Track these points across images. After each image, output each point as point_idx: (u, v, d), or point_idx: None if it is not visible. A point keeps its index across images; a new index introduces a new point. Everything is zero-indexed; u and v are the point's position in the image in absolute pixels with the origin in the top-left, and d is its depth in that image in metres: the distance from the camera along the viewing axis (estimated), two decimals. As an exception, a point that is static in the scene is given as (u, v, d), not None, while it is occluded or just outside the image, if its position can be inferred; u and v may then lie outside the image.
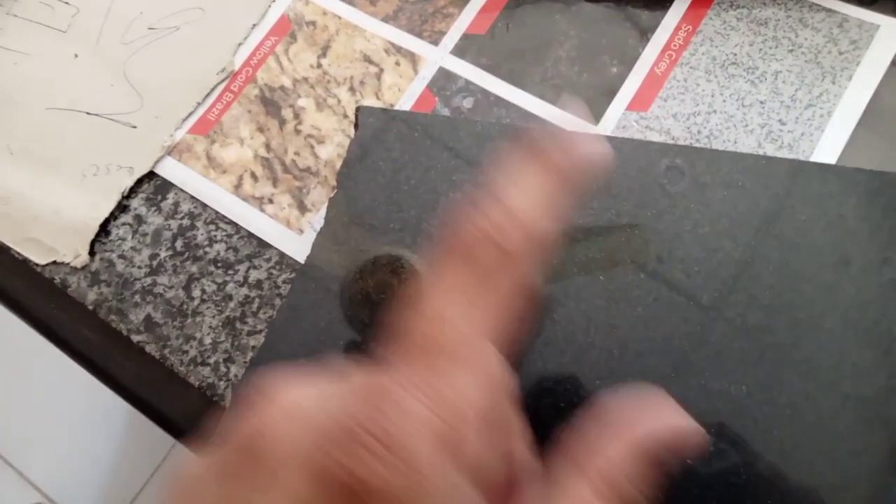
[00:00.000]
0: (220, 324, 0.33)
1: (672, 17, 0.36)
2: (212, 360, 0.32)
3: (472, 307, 0.15)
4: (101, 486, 1.06)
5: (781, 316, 0.29)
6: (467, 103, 0.36)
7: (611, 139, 0.32)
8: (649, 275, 0.30)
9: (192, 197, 0.36)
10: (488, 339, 0.16)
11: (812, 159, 0.33)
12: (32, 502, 1.05)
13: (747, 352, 0.28)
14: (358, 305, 0.30)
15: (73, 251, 0.35)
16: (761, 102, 0.34)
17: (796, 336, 0.28)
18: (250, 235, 0.34)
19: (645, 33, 0.36)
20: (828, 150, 0.33)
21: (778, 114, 0.34)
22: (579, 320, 0.29)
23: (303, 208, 0.35)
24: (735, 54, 0.35)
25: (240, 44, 0.39)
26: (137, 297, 0.34)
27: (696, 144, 0.34)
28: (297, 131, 0.36)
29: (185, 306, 0.33)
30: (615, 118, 0.35)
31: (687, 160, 0.31)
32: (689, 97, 0.35)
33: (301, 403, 0.16)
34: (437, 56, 0.37)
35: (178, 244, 0.35)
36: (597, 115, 0.35)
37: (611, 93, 0.35)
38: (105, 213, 0.35)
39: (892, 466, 0.26)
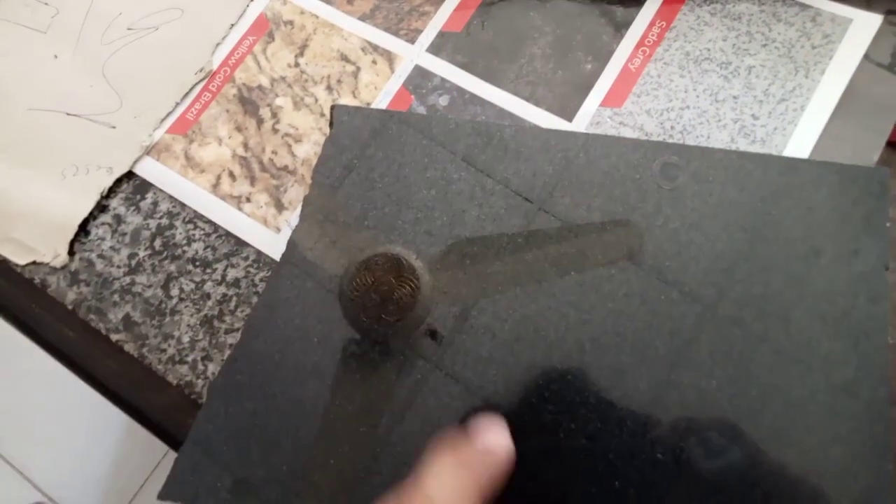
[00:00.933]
0: (198, 322, 0.33)
1: (646, 13, 0.37)
2: (190, 359, 0.33)
3: None
4: (102, 484, 1.07)
5: (752, 308, 0.29)
6: (443, 101, 0.36)
7: (584, 136, 0.32)
8: (620, 269, 0.30)
9: (171, 196, 0.36)
10: None
11: (785, 153, 0.33)
12: (33, 502, 1.05)
13: (717, 344, 0.29)
14: (358, 305, 0.30)
15: (53, 251, 0.35)
16: (734, 97, 0.34)
17: (766, 328, 0.29)
18: (228, 234, 0.35)
19: (619, 29, 0.36)
20: (801, 144, 0.33)
21: (751, 108, 0.34)
22: (551, 316, 0.30)
23: (280, 207, 0.35)
24: (709, 49, 0.35)
25: (218, 44, 0.39)
26: (116, 297, 0.34)
27: (670, 140, 0.34)
28: (275, 130, 0.37)
29: (163, 305, 0.34)
30: (589, 114, 0.35)
31: (658, 156, 0.31)
32: (662, 93, 0.35)
33: None
34: (414, 54, 0.37)
35: (157, 243, 0.35)
36: (571, 111, 0.35)
37: (585, 89, 0.36)
38: (84, 213, 0.35)
39: (860, 455, 0.27)
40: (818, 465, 0.27)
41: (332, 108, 0.34)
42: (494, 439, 0.23)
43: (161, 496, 0.28)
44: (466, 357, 0.30)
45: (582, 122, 0.35)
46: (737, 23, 0.36)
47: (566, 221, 0.31)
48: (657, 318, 0.29)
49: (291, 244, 0.32)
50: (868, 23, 0.34)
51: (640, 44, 0.36)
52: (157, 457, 1.06)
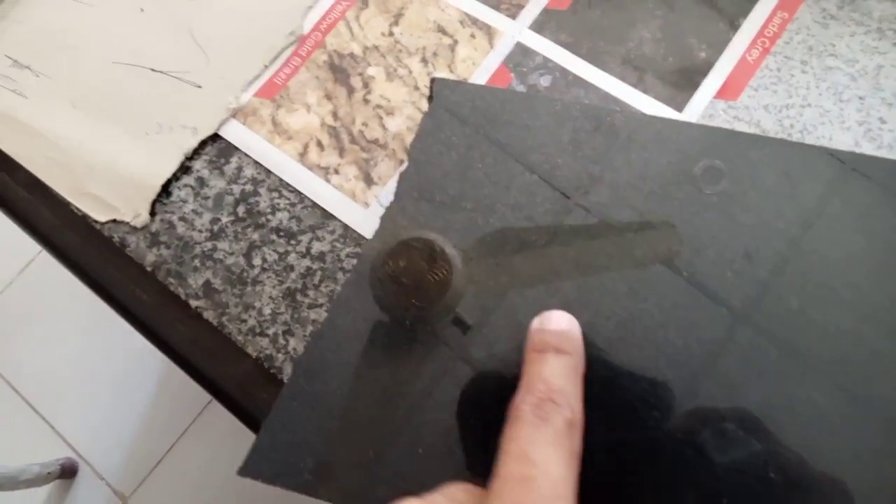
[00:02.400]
0: (281, 294, 0.32)
1: (767, 2, 0.34)
2: (270, 332, 0.32)
3: (557, 454, 0.21)
4: (132, 443, 1.08)
5: (844, 312, 0.27)
6: (544, 81, 0.34)
7: (703, 128, 0.30)
8: (738, 271, 0.28)
9: (256, 162, 0.35)
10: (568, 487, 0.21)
11: (912, 161, 0.31)
12: (61, 457, 1.07)
13: (813, 349, 0.27)
14: (387, 287, 0.29)
15: (134, 210, 0.34)
16: (860, 98, 0.32)
17: (861, 330, 0.27)
18: (314, 205, 0.33)
19: (737, 17, 0.34)
20: (930, 152, 0.31)
21: (878, 111, 0.32)
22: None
23: (369, 181, 0.34)
24: (834, 45, 0.33)
25: (310, 7, 0.37)
26: (197, 262, 0.33)
27: (789, 139, 0.32)
28: (366, 101, 0.35)
29: (245, 274, 0.33)
30: (701, 106, 0.33)
31: (784, 156, 0.29)
32: (782, 88, 0.33)
33: None
34: (515, 30, 0.36)
35: (241, 210, 0.34)
36: (682, 101, 0.33)
37: (698, 78, 0.33)
38: (168, 174, 0.34)
39: None
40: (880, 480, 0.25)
41: (433, 81, 0.32)
42: (564, 322, 0.26)
43: (241, 472, 0.28)
44: (492, 349, 0.29)
45: (693, 113, 0.33)
46: (866, 18, 0.33)
47: (670, 222, 0.29)
48: (723, 320, 0.27)
49: (386, 220, 0.30)
50: None
51: (760, 34, 0.34)
52: (195, 410, 1.07)
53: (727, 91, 0.33)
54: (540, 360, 0.24)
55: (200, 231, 0.34)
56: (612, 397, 0.27)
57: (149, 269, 0.33)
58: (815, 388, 0.26)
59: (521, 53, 0.35)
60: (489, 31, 0.36)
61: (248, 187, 0.34)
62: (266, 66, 0.36)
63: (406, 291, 0.29)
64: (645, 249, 0.29)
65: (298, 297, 0.32)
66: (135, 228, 0.34)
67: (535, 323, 0.26)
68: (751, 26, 0.34)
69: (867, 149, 0.31)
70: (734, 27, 0.34)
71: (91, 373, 1.11)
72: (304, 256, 0.33)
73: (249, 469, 0.28)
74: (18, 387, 1.13)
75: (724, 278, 0.28)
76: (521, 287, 0.29)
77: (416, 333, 0.29)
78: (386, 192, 0.33)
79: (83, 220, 0.35)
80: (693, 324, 0.28)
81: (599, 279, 0.29)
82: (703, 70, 0.34)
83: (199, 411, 1.06)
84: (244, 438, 0.28)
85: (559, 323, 0.26)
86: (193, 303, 0.33)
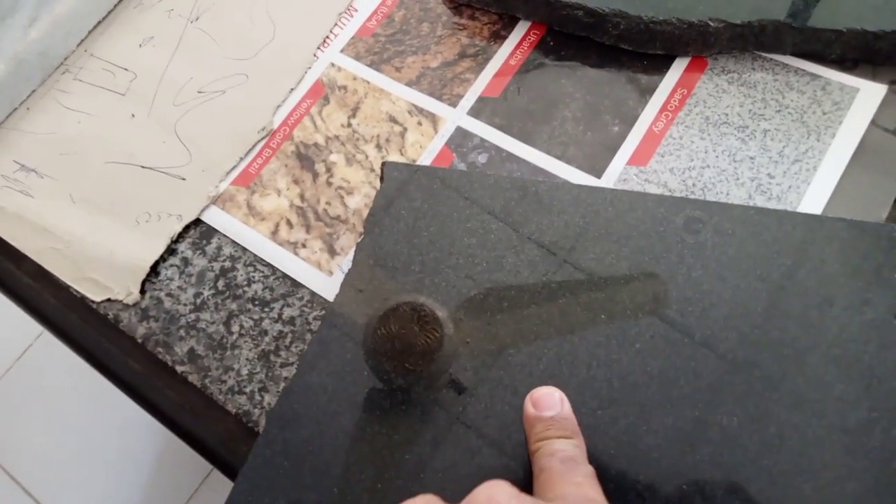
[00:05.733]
0: (256, 356, 0.36)
1: (669, 81, 0.40)
2: (248, 389, 0.36)
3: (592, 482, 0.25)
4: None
5: (770, 352, 0.31)
6: (482, 159, 0.40)
7: (612, 191, 0.35)
8: (647, 313, 0.33)
9: (234, 242, 0.39)
10: None
11: (799, 210, 0.36)
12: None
13: (738, 385, 0.31)
14: (381, 355, 0.32)
15: (126, 290, 0.39)
16: (751, 158, 0.37)
17: (784, 371, 0.31)
18: (285, 276, 0.38)
19: (644, 95, 0.40)
20: (814, 201, 0.36)
21: (767, 168, 0.37)
22: (574, 369, 0.32)
23: (332, 252, 0.38)
24: (727, 114, 0.39)
25: (279, 105, 0.43)
26: (182, 332, 0.37)
27: (692, 196, 0.37)
28: (329, 183, 0.40)
29: (224, 340, 0.37)
30: (616, 172, 0.38)
31: (681, 211, 0.34)
32: (684, 153, 0.38)
33: None
34: (455, 116, 0.41)
35: (220, 284, 0.38)
36: (600, 169, 0.38)
37: (613, 149, 0.39)
38: (155, 256, 0.39)
39: (874, 492, 0.28)
40: (835, 500, 0.28)
41: (383, 164, 0.38)
42: (556, 405, 0.28)
43: (221, 515, 0.31)
44: (488, 410, 0.31)
45: (610, 179, 0.38)
46: (752, 90, 0.39)
47: (594, 272, 0.34)
48: (681, 358, 0.32)
49: (345, 286, 0.35)
50: (874, 92, 0.38)
51: (664, 108, 0.39)
52: (193, 485, 1.07)
53: (638, 158, 0.38)
54: (547, 444, 0.27)
55: (185, 304, 0.38)
56: (610, 466, 0.30)
57: (140, 340, 0.38)
58: (802, 413, 0.30)
59: (461, 136, 0.41)
60: (433, 119, 0.41)
61: (227, 264, 0.39)
62: (241, 158, 0.42)
63: (399, 356, 0.31)
64: (633, 300, 0.32)
65: (272, 357, 0.36)
66: (127, 306, 0.39)
67: (530, 408, 0.28)
68: (656, 102, 0.40)
69: (759, 201, 0.36)
70: (642, 103, 0.40)
71: (90, 452, 1.13)
72: (276, 321, 0.37)
73: (229, 512, 0.31)
74: (16, 474, 1.14)
75: (710, 317, 0.32)
76: (514, 346, 0.32)
77: (412, 397, 0.32)
78: (347, 262, 0.38)
79: (81, 301, 0.39)
80: (686, 360, 0.31)
81: (591, 333, 0.32)
82: (616, 142, 0.39)
83: (197, 485, 1.07)
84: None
85: (552, 406, 0.28)
86: (179, 368, 0.37)
